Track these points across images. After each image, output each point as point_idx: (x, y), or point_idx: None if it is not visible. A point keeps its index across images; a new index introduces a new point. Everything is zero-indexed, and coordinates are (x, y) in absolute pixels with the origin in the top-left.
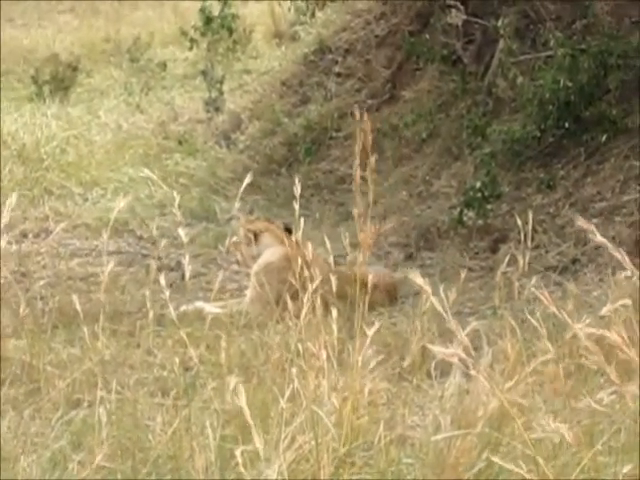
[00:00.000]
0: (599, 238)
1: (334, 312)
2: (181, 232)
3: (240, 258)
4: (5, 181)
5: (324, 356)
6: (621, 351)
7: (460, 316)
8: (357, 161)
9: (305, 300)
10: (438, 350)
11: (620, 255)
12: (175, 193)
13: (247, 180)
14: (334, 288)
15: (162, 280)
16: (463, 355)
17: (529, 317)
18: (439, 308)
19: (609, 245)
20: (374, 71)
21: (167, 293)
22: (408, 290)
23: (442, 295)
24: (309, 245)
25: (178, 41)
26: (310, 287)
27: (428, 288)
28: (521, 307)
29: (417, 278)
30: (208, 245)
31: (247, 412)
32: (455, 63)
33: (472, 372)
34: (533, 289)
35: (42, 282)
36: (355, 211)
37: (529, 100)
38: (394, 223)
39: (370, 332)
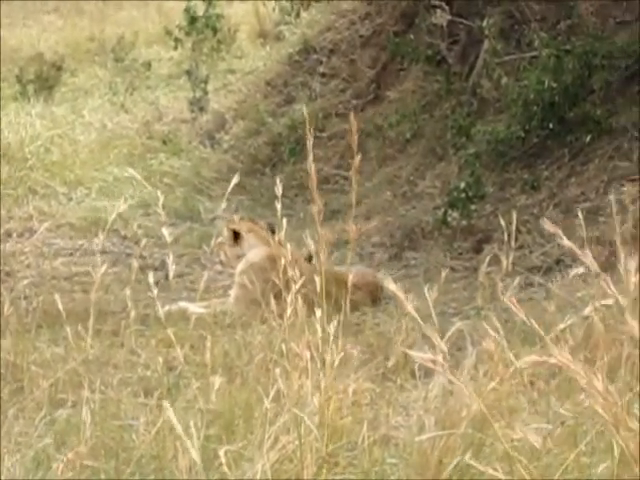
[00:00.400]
0: (566, 242)
1: (317, 312)
2: (165, 232)
3: (224, 258)
4: None
5: (307, 356)
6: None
7: (444, 316)
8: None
9: (289, 300)
10: (417, 355)
11: (587, 259)
12: (159, 193)
13: (234, 181)
14: (317, 288)
15: (149, 279)
16: (441, 361)
17: (513, 318)
18: (414, 314)
19: (576, 250)
20: (359, 71)
21: (154, 292)
22: (391, 290)
23: (426, 295)
24: (290, 245)
25: (163, 41)
26: (293, 287)
27: (401, 294)
28: (504, 307)
29: (390, 284)
30: (192, 245)
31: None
32: (440, 63)
33: (451, 378)
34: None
35: (26, 281)
36: (315, 208)
37: (514, 100)
38: (377, 223)
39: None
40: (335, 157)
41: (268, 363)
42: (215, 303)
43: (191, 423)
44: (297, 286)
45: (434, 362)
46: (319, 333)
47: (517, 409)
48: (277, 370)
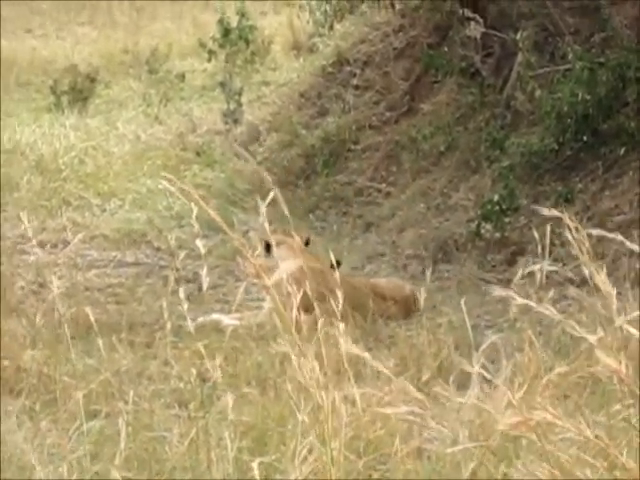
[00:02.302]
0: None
1: (351, 324)
2: (199, 243)
3: (252, 270)
4: (23, 191)
5: (341, 368)
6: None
7: (477, 329)
8: None
9: (322, 312)
10: (392, 411)
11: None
12: (193, 205)
13: (271, 194)
14: (351, 300)
15: (181, 292)
16: (420, 411)
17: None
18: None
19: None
20: (392, 83)
21: (185, 306)
22: (425, 302)
23: (460, 307)
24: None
25: (196, 52)
26: (327, 299)
27: None
28: (538, 320)
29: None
30: (225, 257)
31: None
32: (473, 76)
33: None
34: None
35: (58, 292)
36: None
37: (547, 113)
38: (411, 235)
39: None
40: (369, 169)
41: (301, 375)
42: (249, 315)
43: (225, 435)
44: (331, 298)
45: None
46: (352, 345)
47: (551, 421)
48: (310, 382)
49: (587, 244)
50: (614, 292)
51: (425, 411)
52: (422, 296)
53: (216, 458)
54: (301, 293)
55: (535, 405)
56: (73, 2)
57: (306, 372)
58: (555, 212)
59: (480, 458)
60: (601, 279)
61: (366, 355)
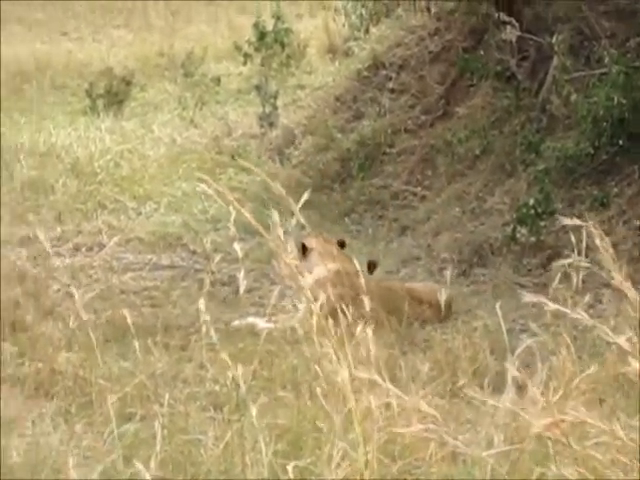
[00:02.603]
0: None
1: (386, 328)
2: (236, 247)
3: (286, 273)
4: (59, 195)
5: (375, 372)
6: None
7: (512, 333)
8: None
9: (356, 316)
10: (406, 431)
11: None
12: (230, 208)
13: (305, 197)
14: (386, 304)
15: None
16: (436, 428)
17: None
18: None
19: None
20: (428, 87)
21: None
22: (461, 306)
23: (495, 311)
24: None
25: (232, 56)
26: (362, 302)
27: None
28: (574, 324)
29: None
30: (261, 260)
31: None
32: (509, 79)
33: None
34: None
35: (92, 294)
36: None
37: (583, 117)
38: (446, 239)
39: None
40: (404, 173)
41: (335, 379)
42: (283, 318)
43: (259, 438)
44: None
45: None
46: (388, 349)
47: (586, 425)
48: (345, 386)
49: (611, 250)
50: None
51: (440, 427)
52: (456, 300)
53: (251, 461)
54: (336, 296)
55: (569, 408)
56: (109, 5)
57: (339, 376)
58: (577, 221)
59: (514, 461)
60: (624, 283)
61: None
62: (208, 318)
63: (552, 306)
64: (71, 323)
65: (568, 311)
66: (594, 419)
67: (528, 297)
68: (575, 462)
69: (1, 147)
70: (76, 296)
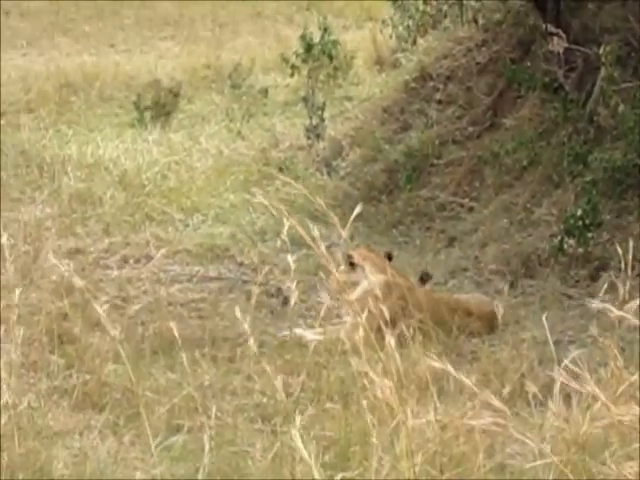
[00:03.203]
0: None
1: (434, 340)
2: (289, 258)
3: (334, 286)
4: (107, 207)
5: (422, 384)
6: None
7: (560, 345)
8: None
9: (405, 328)
10: (476, 423)
11: None
12: (285, 220)
13: (357, 210)
14: (434, 316)
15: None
16: (503, 422)
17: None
18: None
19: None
20: (475, 98)
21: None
22: (508, 318)
23: (543, 323)
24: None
25: (279, 67)
26: (410, 315)
27: None
28: (621, 336)
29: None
30: (308, 272)
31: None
32: (556, 91)
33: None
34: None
35: (139, 307)
36: None
37: (630, 128)
38: (494, 250)
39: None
40: (452, 184)
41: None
42: (331, 330)
43: (309, 449)
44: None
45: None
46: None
47: (635, 438)
48: (393, 397)
49: None
50: None
51: (508, 422)
52: (501, 311)
53: (299, 473)
54: (385, 309)
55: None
56: (156, 17)
57: (385, 388)
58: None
59: (561, 473)
60: None
61: (449, 369)
62: (248, 329)
63: (616, 312)
64: (118, 335)
65: (630, 317)
66: None
67: (595, 304)
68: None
69: (43, 160)
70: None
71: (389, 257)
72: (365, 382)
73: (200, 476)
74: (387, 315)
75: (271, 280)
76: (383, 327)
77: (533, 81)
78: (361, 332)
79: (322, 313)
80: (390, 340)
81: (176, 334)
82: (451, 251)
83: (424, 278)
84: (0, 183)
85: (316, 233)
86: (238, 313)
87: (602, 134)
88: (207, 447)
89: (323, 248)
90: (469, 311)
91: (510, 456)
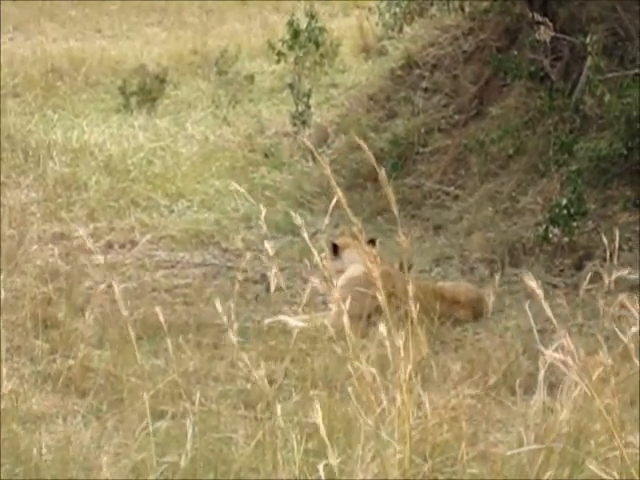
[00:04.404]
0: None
1: (418, 328)
2: (267, 245)
3: (328, 273)
4: (91, 192)
5: (407, 371)
6: None
7: (544, 333)
8: None
9: (389, 315)
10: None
11: None
12: (262, 206)
13: (335, 199)
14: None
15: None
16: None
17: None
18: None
19: None
20: (461, 87)
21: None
22: (493, 306)
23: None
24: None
25: (265, 54)
26: (395, 302)
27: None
28: (606, 325)
29: None
30: (293, 258)
31: (323, 428)
32: (542, 80)
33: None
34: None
35: (125, 292)
36: None
37: (616, 117)
38: (479, 238)
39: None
40: (437, 172)
41: (368, 378)
42: (315, 317)
43: (291, 436)
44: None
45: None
46: (420, 349)
47: (618, 426)
48: (377, 385)
49: None
50: None
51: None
52: (490, 300)
53: (282, 460)
54: (369, 295)
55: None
56: (143, 3)
57: (370, 375)
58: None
59: (545, 461)
60: None
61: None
62: (232, 316)
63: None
64: (104, 320)
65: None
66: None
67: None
68: (604, 462)
69: (28, 144)
70: (117, 292)
71: (372, 243)
72: (350, 369)
73: (183, 462)
74: (368, 304)
75: (256, 267)
76: (365, 315)
77: (519, 70)
78: (346, 319)
79: (304, 299)
80: (376, 328)
81: (162, 319)
82: (436, 239)
83: (402, 266)
84: None
85: (299, 221)
86: (218, 305)
87: (588, 123)
88: (190, 433)
89: (306, 235)
90: (455, 299)
91: (493, 444)
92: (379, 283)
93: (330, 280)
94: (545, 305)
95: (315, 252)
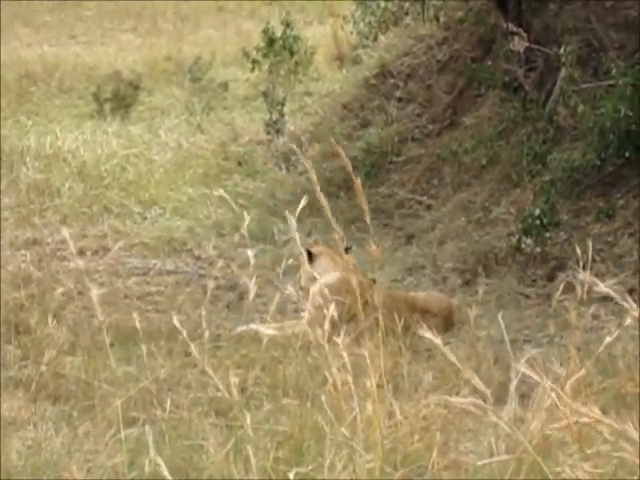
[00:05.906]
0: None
1: (390, 336)
2: (250, 253)
3: (303, 282)
4: (64, 198)
5: (379, 381)
6: None
7: (516, 344)
8: None
9: (361, 324)
10: (455, 400)
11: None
12: (245, 213)
13: (303, 202)
14: (390, 313)
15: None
16: (481, 403)
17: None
18: None
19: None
20: (435, 96)
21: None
22: (464, 316)
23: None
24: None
25: (240, 62)
26: (367, 311)
27: None
28: (578, 336)
29: None
30: (265, 266)
31: (294, 436)
32: (516, 90)
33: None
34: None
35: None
36: None
37: (590, 128)
38: (451, 248)
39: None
40: (411, 182)
41: (339, 386)
42: (288, 325)
43: (262, 445)
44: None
45: (472, 406)
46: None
47: (589, 438)
48: (349, 394)
49: None
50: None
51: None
52: (461, 310)
53: (253, 468)
54: (343, 303)
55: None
56: (118, 9)
57: (340, 384)
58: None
59: (515, 471)
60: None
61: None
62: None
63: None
64: (76, 326)
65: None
66: (603, 418)
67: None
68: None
69: (2, 150)
70: (94, 297)
71: (346, 250)
72: (323, 377)
73: (147, 469)
74: (342, 311)
75: (228, 274)
76: (338, 323)
77: (493, 80)
78: (321, 327)
79: (274, 307)
80: (346, 336)
81: (135, 326)
82: (409, 248)
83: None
84: None
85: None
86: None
87: (561, 134)
88: (160, 440)
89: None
90: (426, 308)
91: (464, 454)
92: (357, 291)
93: (305, 287)
94: None
95: (289, 259)
